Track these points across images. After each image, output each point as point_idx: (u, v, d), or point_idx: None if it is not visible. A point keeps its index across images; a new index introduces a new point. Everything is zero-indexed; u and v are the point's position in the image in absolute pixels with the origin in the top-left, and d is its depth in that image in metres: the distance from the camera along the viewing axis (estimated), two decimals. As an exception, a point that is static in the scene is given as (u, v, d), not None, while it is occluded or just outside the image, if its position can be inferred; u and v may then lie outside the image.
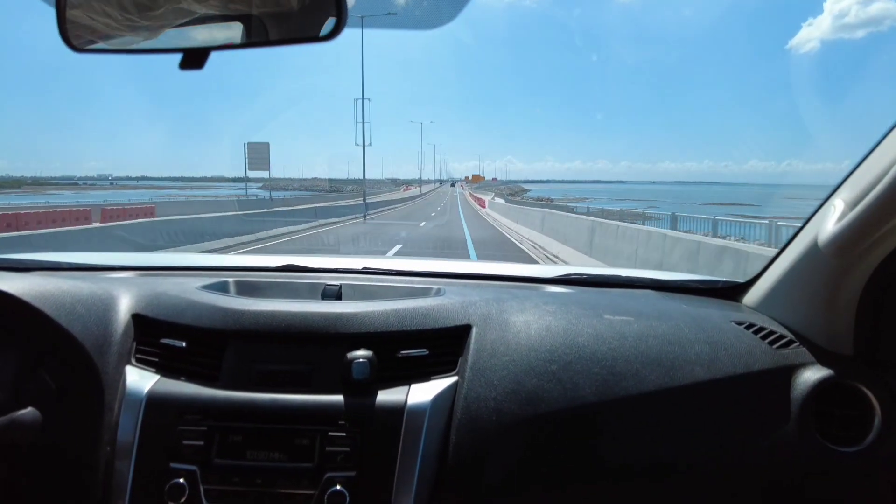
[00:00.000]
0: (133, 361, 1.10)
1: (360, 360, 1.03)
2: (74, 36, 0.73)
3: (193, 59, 0.66)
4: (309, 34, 0.66)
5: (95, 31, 0.80)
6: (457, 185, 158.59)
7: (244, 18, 0.70)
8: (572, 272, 1.56)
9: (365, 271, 1.54)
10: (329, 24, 0.64)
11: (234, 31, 0.69)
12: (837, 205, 0.98)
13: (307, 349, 1.09)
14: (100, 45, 0.71)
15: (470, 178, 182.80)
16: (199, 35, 0.67)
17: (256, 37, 0.68)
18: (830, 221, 0.97)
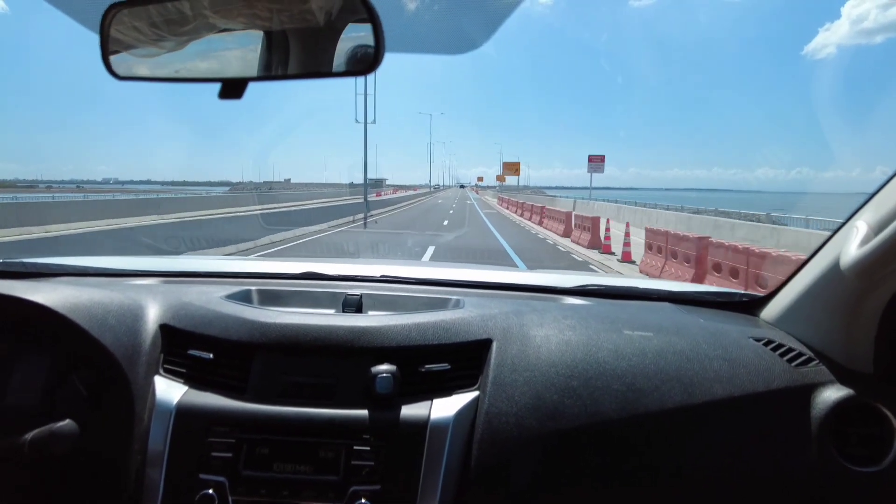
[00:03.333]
0: (161, 372, 1.13)
1: (384, 374, 1.05)
2: (114, 60, 0.75)
3: (232, 88, 0.68)
4: (343, 68, 0.67)
5: (127, 46, 0.83)
6: (466, 188, 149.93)
7: (275, 46, 0.71)
8: (589, 283, 1.56)
9: (383, 279, 1.56)
10: (366, 57, 0.66)
11: (269, 62, 0.70)
12: (860, 226, 0.98)
13: (331, 362, 1.11)
14: (141, 72, 0.73)
15: (475, 183, 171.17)
16: (238, 65, 0.69)
17: (289, 68, 0.70)
18: (853, 244, 0.97)
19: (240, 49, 0.68)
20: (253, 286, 1.43)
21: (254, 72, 0.69)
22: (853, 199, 1.13)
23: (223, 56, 0.68)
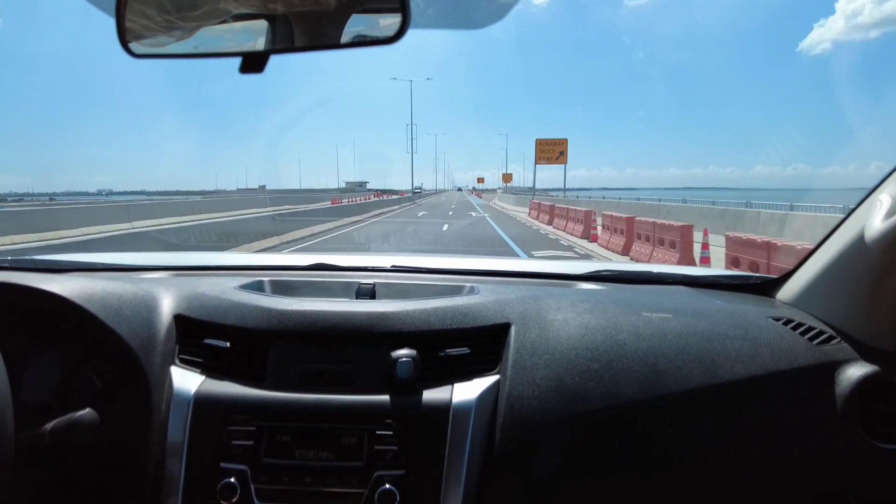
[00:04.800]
0: (177, 362, 1.12)
1: (405, 358, 1.04)
2: (130, 40, 0.74)
3: (254, 62, 0.67)
4: (368, 37, 0.66)
5: (135, 32, 0.81)
6: (463, 190, 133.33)
7: (298, 19, 0.70)
8: (603, 269, 1.55)
9: (394, 269, 1.55)
10: (394, 25, 0.64)
11: (292, 34, 0.69)
12: (884, 200, 0.97)
13: (350, 348, 1.10)
14: (158, 50, 0.72)
15: (475, 186, 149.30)
16: (259, 39, 0.68)
17: (314, 40, 0.68)
18: (878, 217, 0.96)
19: (259, 23, 0.67)
20: (265, 277, 1.43)
21: (275, 44, 0.68)
22: (853, 194, 1.12)
23: (242, 30, 0.66)
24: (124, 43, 0.72)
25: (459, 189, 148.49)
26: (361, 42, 0.67)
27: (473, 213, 28.33)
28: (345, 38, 0.67)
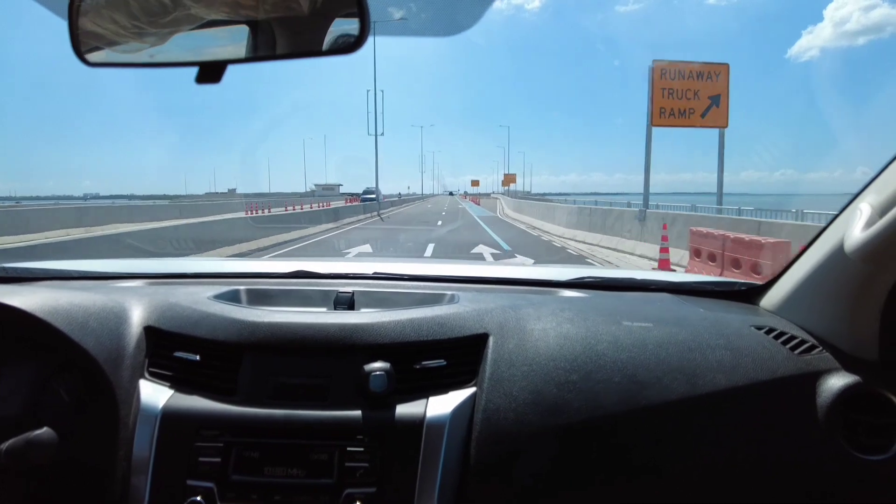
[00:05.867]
0: (146, 375, 1.09)
1: (378, 372, 1.02)
2: (86, 48, 0.71)
3: (210, 72, 0.65)
4: (328, 47, 0.64)
5: (103, 38, 0.79)
6: (456, 195, 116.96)
7: (258, 28, 0.68)
8: (586, 275, 1.54)
9: (376, 276, 1.53)
10: (350, 35, 0.63)
11: (251, 43, 0.67)
12: (864, 209, 0.96)
13: (323, 361, 1.08)
14: (113, 58, 0.69)
15: (465, 192, 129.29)
16: (217, 48, 0.65)
17: (274, 49, 0.66)
18: (858, 226, 0.95)
19: (217, 31, 0.65)
20: (241, 286, 1.40)
21: (233, 54, 0.66)
22: (840, 199, 1.11)
23: (200, 39, 0.64)
24: (78, 51, 0.69)
25: (451, 193, 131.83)
26: (321, 51, 0.65)
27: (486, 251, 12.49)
28: (304, 48, 0.66)
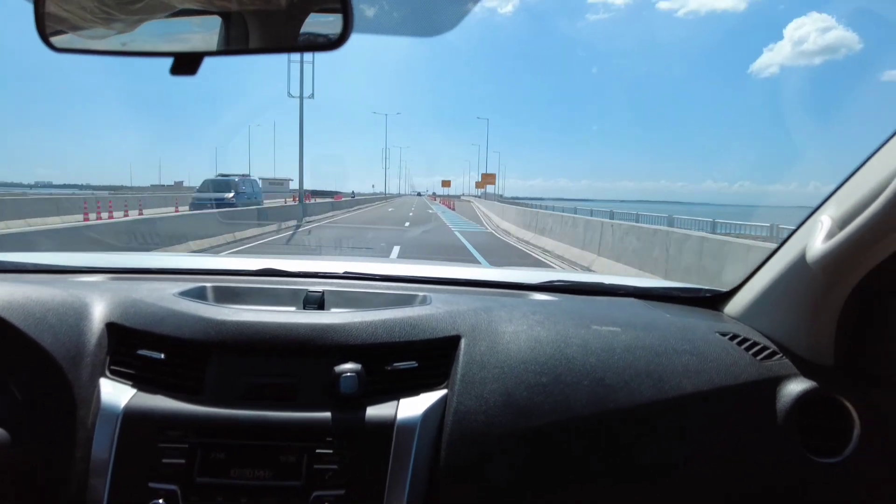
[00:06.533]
0: (107, 374, 1.05)
1: (349, 373, 1.01)
2: (51, 31, 0.68)
3: (186, 64, 0.63)
4: (310, 42, 0.63)
5: (68, 22, 0.75)
6: (424, 196, 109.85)
7: (236, 20, 0.66)
8: (556, 279, 1.55)
9: (346, 276, 1.51)
10: (332, 31, 0.61)
11: (228, 35, 0.65)
12: (825, 221, 1.00)
13: (292, 361, 1.06)
14: (82, 44, 0.66)
15: (433, 193, 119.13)
16: (193, 39, 0.63)
17: (254, 43, 0.64)
18: (818, 238, 0.98)
19: (194, 22, 0.62)
20: (209, 283, 1.36)
21: (210, 46, 0.64)
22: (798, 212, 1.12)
23: (176, 29, 0.62)
24: (43, 35, 0.66)
25: (419, 194, 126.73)
26: (302, 46, 0.64)
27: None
28: (285, 43, 0.64)
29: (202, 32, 0.63)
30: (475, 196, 66.07)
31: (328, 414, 1.00)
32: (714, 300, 1.43)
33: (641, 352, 1.10)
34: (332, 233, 17.51)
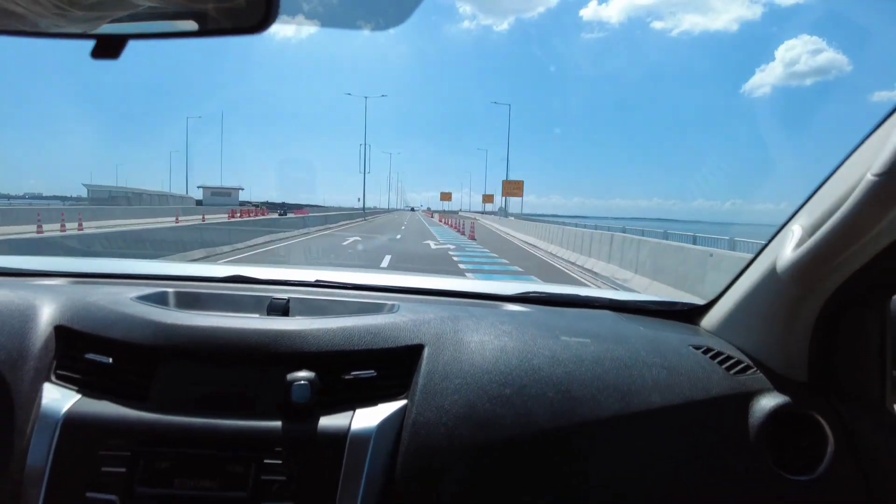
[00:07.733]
0: (52, 378, 1.01)
1: (301, 382, 0.97)
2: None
3: (107, 47, 0.60)
4: (237, 24, 0.60)
5: None
6: (418, 211, 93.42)
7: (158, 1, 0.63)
8: (531, 290, 1.52)
9: (318, 284, 1.47)
10: (258, 13, 0.59)
11: (157, 18, 0.63)
12: (795, 231, 0.97)
13: (246, 369, 1.02)
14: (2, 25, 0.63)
15: (428, 207, 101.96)
16: (115, 21, 0.60)
17: (178, 27, 0.62)
18: (789, 247, 0.95)
19: (117, 4, 0.60)
20: (171, 288, 1.32)
21: (133, 29, 0.61)
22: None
23: (97, 11, 0.59)
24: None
25: (412, 209, 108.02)
26: (227, 31, 0.61)
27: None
28: (210, 25, 0.61)
29: (125, 13, 0.61)
30: (480, 213, 58.02)
31: (278, 423, 0.96)
32: (690, 313, 1.39)
33: (610, 363, 1.06)
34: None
